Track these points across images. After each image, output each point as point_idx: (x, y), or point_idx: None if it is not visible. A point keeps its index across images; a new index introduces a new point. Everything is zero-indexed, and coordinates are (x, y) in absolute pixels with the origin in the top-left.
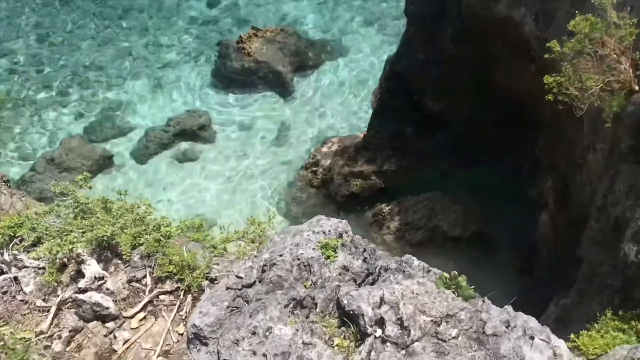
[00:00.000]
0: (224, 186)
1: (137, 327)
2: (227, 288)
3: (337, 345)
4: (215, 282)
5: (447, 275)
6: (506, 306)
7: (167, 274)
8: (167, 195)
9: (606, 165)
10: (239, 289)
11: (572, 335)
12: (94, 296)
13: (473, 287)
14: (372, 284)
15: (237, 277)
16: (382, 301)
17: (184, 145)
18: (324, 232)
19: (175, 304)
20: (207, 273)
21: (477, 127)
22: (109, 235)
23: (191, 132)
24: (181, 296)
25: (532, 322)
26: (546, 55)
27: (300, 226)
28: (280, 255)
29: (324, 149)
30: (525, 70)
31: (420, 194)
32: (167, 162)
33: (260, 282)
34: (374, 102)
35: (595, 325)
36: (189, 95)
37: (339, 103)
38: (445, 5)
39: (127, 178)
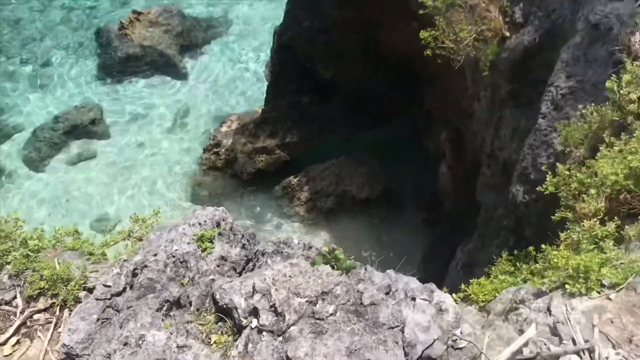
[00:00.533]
0: (125, 181)
1: (10, 354)
2: (96, 299)
3: (214, 342)
4: (94, 291)
5: (328, 248)
6: (389, 270)
7: (39, 290)
8: (66, 200)
9: (490, 113)
10: (108, 299)
11: (462, 286)
12: None
13: (352, 257)
14: (252, 270)
15: (105, 285)
16: (254, 290)
17: (77, 143)
18: (199, 224)
19: (51, 322)
20: (84, 283)
21: (370, 89)
22: None
23: (83, 128)
24: (57, 312)
25: (414, 283)
26: (421, 11)
27: (176, 220)
28: (155, 255)
29: (224, 129)
30: (407, 28)
31: (326, 162)
32: (61, 164)
33: (130, 287)
34: (268, 75)
35: (493, 269)
36: (74, 89)
37: (233, 80)
38: None
39: (18, 187)
